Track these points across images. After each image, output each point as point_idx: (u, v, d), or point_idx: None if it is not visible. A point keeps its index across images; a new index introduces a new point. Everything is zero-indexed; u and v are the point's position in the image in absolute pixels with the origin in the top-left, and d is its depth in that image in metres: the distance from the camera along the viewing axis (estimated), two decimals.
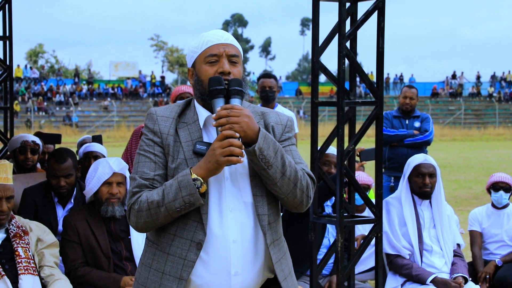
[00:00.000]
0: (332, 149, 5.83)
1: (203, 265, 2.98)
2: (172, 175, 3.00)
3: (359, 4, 5.27)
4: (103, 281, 4.95)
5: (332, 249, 5.29)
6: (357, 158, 6.54)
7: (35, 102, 48.45)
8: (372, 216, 5.36)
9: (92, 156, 6.79)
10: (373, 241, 5.43)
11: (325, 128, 31.78)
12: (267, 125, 3.11)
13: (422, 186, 5.67)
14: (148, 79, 56.68)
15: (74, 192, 5.73)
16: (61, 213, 5.68)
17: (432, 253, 5.62)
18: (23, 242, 4.86)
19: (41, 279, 4.86)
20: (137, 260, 5.08)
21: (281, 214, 3.30)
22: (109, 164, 5.11)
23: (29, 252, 4.86)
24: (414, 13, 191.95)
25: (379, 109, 5.27)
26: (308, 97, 46.31)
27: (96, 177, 5.09)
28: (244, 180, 3.01)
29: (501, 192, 6.74)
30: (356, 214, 5.50)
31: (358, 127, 5.37)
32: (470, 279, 5.65)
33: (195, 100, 3.15)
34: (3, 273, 4.69)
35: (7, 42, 7.87)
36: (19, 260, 4.77)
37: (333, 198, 5.70)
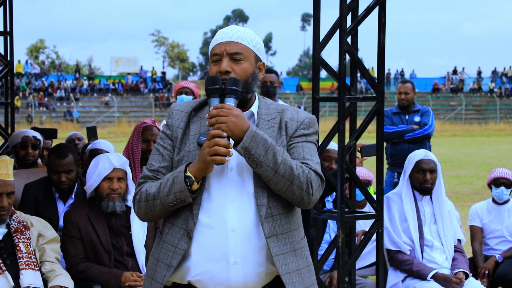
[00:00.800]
0: (333, 145, 5.83)
1: (200, 254, 3.02)
2: (176, 167, 3.08)
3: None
4: (104, 276, 4.96)
5: (333, 244, 5.30)
6: (358, 154, 6.54)
7: (36, 98, 48.45)
8: (373, 211, 5.36)
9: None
10: (374, 237, 5.44)
11: (326, 124, 31.75)
12: (281, 121, 3.13)
13: (423, 182, 5.67)
14: (149, 74, 56.67)
15: (75, 188, 5.73)
16: (62, 208, 5.67)
17: (433, 249, 5.62)
18: (24, 237, 4.87)
19: (42, 274, 4.86)
20: (138, 256, 5.09)
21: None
22: (109, 160, 5.11)
23: (30, 247, 4.86)
24: (415, 8, 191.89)
25: (380, 104, 5.27)
26: (309, 93, 46.29)
27: (96, 173, 5.09)
28: (249, 171, 3.04)
29: (502, 188, 6.73)
30: (357, 209, 5.50)
31: (359, 122, 5.37)
32: (471, 274, 5.65)
33: None
34: (4, 268, 4.70)
35: (8, 37, 7.86)
36: (20, 255, 4.78)
37: (334, 193, 5.70)
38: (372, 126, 5.57)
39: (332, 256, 5.70)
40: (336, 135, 5.20)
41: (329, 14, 5.61)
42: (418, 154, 5.79)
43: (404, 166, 5.84)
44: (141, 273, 4.99)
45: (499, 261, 6.52)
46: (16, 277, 4.71)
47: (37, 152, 6.98)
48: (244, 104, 3.12)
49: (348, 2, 5.16)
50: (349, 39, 5.17)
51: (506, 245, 6.69)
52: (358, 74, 5.46)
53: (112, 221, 5.10)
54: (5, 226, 4.88)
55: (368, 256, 6.13)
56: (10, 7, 7.82)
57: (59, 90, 50.81)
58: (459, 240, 5.81)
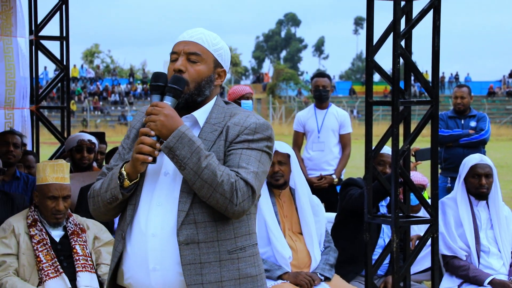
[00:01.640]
0: (387, 149, 5.79)
1: (128, 257, 3.01)
2: None
3: (414, 2, 5.22)
4: None
5: (388, 249, 5.26)
6: (412, 158, 6.48)
7: (91, 102, 49.17)
8: (427, 216, 5.31)
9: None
10: (429, 242, 5.38)
11: (379, 128, 31.50)
12: (225, 125, 3.02)
13: (479, 186, 5.60)
14: None
15: None
16: None
17: (489, 255, 5.55)
18: (81, 239, 4.94)
19: (98, 277, 4.92)
20: None
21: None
22: None
23: (87, 249, 4.93)
24: (469, 10, 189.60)
25: (435, 108, 5.22)
26: (362, 97, 46.05)
27: None
28: (181, 176, 2.96)
29: None
30: (411, 214, 5.45)
31: (413, 126, 5.33)
32: None
33: None
34: (61, 270, 4.77)
35: (64, 42, 7.99)
36: (77, 258, 4.85)
37: (388, 198, 5.66)
38: (426, 130, 5.51)
39: (386, 261, 5.65)
40: (390, 139, 5.16)
41: (383, 18, 5.57)
42: (473, 159, 5.72)
43: (459, 171, 5.77)
44: None
45: None
46: (73, 279, 4.78)
47: (92, 155, 7.08)
48: (193, 106, 3.05)
49: (402, 5, 5.12)
50: (402, 43, 5.13)
51: None
52: (412, 78, 5.42)
53: None
54: (62, 229, 4.96)
55: (423, 261, 6.06)
56: (66, 12, 7.95)
57: (113, 94, 51.49)
58: None
